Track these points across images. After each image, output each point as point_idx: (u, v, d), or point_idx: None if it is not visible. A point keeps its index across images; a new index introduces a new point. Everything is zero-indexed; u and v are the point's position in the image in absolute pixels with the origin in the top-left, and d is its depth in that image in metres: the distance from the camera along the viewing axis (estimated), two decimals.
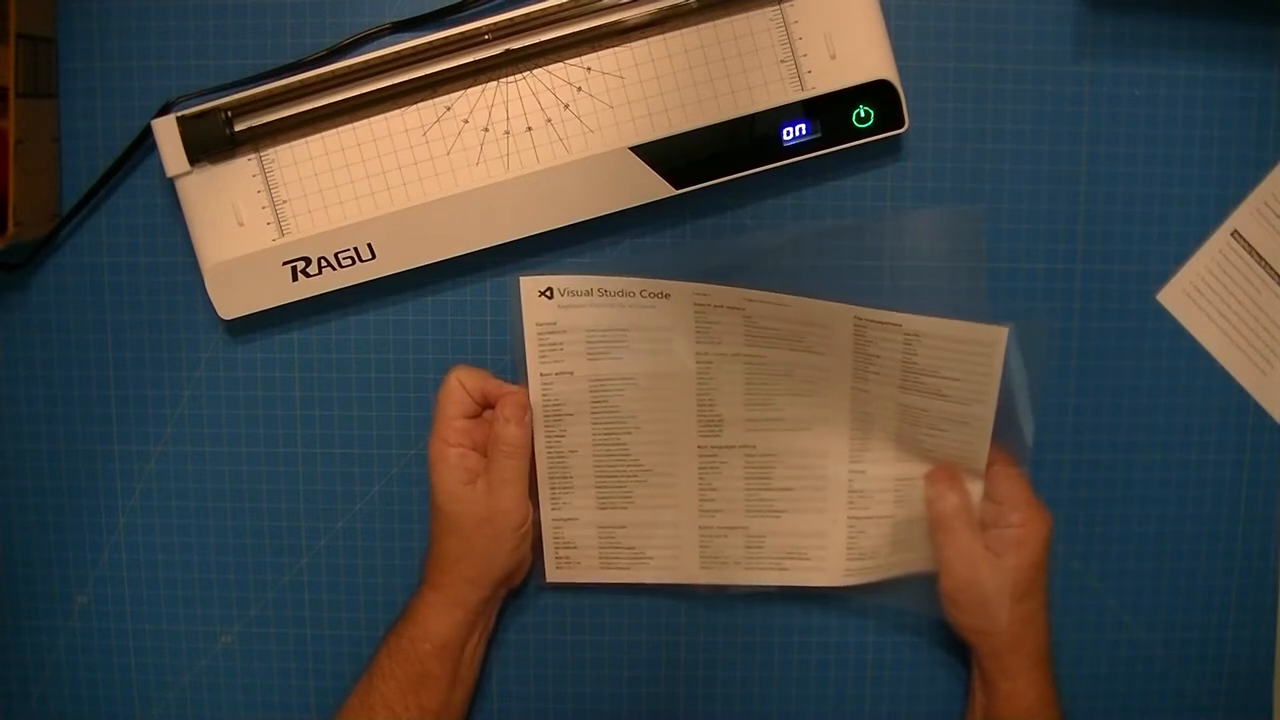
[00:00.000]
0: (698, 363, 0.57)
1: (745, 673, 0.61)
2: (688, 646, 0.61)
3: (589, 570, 0.59)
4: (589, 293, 0.56)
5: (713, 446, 0.58)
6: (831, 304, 0.54)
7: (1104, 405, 0.59)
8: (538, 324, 0.56)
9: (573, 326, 0.56)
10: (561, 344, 0.56)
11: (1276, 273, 0.59)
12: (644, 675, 0.61)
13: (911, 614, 0.59)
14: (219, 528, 0.60)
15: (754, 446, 0.58)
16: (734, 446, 0.58)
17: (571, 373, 0.56)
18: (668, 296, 0.55)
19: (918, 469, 0.57)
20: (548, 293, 0.56)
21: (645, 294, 0.55)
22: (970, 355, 0.53)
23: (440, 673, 0.54)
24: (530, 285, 0.56)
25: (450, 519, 0.54)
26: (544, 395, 0.56)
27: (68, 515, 0.60)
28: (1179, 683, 0.61)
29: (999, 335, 0.52)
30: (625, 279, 0.56)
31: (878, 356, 0.55)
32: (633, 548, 0.59)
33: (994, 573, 0.53)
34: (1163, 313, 0.59)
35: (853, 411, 0.57)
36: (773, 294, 0.55)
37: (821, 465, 0.58)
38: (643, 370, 0.57)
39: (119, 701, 0.61)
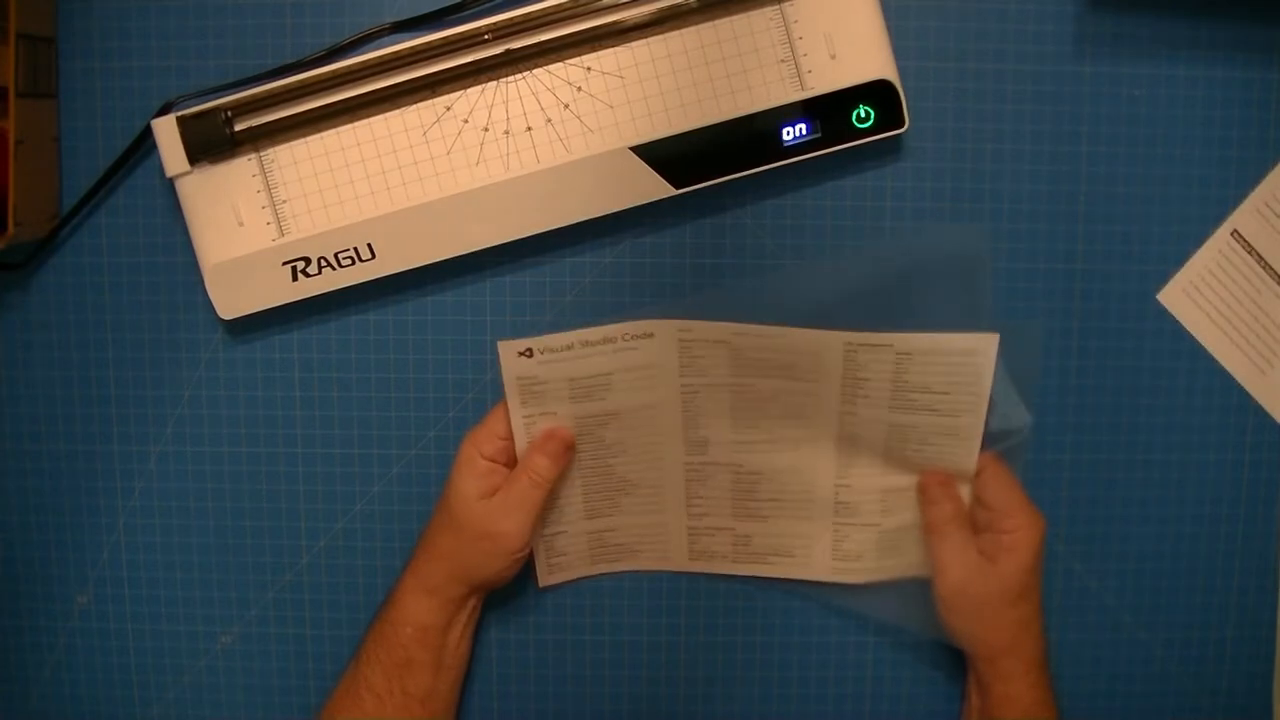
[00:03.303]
0: (683, 394, 0.56)
1: (745, 673, 0.61)
2: (687, 647, 0.61)
3: (580, 568, 0.60)
4: (569, 347, 0.54)
5: (699, 463, 0.58)
6: (821, 332, 0.54)
7: (1104, 405, 0.59)
8: (518, 379, 0.55)
9: (555, 378, 0.55)
10: (544, 393, 0.55)
11: (1276, 273, 0.59)
12: (643, 675, 0.61)
13: (909, 633, 0.59)
14: (219, 528, 0.60)
15: (740, 465, 0.58)
16: (720, 463, 0.58)
17: (555, 413, 0.56)
18: (651, 336, 0.55)
19: (905, 480, 0.57)
20: (527, 353, 0.54)
21: (627, 337, 0.54)
22: (961, 366, 0.53)
23: (423, 658, 0.54)
24: (509, 348, 0.54)
25: (454, 519, 0.54)
26: (528, 433, 0.56)
27: (68, 515, 0.60)
28: (1179, 683, 0.61)
29: (989, 343, 0.52)
30: (606, 327, 0.54)
31: (867, 379, 0.54)
32: (622, 544, 0.59)
33: (988, 577, 0.53)
34: (1163, 313, 0.59)
35: (840, 432, 0.56)
36: (759, 327, 0.54)
37: (807, 480, 0.57)
38: (627, 406, 0.56)
39: (119, 701, 0.61)
